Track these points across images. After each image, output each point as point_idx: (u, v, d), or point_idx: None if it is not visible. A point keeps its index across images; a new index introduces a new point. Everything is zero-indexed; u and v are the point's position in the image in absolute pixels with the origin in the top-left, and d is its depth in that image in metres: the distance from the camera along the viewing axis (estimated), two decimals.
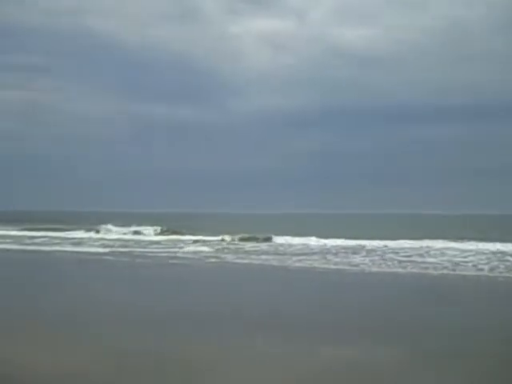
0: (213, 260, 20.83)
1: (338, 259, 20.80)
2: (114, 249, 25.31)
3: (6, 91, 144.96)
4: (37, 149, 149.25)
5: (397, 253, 22.98)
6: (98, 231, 38.06)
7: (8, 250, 25.42)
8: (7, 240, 31.63)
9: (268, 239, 30.67)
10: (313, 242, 28.56)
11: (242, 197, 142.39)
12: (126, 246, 26.90)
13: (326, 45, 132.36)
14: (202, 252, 24.03)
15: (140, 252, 24.09)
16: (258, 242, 29.95)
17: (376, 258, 21.20)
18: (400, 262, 19.89)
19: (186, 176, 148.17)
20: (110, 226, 39.27)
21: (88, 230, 38.24)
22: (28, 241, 31.35)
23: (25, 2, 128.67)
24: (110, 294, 12.30)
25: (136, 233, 37.45)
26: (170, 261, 20.51)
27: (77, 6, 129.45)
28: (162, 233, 37.52)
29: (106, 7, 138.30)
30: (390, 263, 19.38)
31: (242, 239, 30.83)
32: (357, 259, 20.73)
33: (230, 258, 21.67)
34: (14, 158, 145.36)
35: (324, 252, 23.72)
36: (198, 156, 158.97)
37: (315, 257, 21.68)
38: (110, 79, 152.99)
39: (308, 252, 23.93)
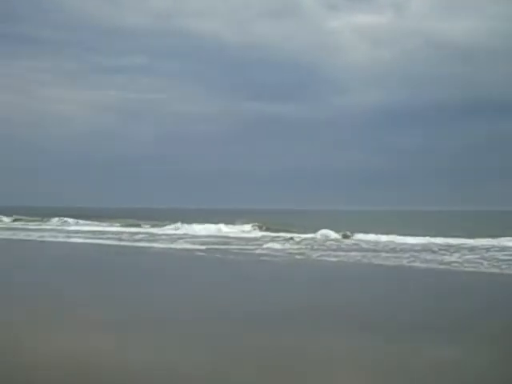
0: (300, 257, 21.20)
1: (429, 257, 20.46)
2: (209, 246, 26.12)
3: (108, 91, 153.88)
4: (138, 148, 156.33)
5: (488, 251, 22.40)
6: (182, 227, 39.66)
7: (110, 246, 27.07)
8: (109, 236, 33.92)
9: (348, 236, 30.92)
10: (398, 239, 28.08)
11: (344, 194, 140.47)
12: (223, 244, 27.62)
13: (425, 38, 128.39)
14: (288, 249, 24.43)
15: (237, 249, 24.72)
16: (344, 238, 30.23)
17: (470, 256, 20.69)
18: (499, 260, 19.29)
19: (288, 173, 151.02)
20: (206, 225, 40.20)
21: (180, 227, 39.91)
22: (128, 237, 33.15)
23: (129, 4, 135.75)
24: (226, 292, 12.60)
25: (230, 229, 38.55)
26: (262, 258, 20.92)
27: (179, 8, 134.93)
28: (259, 229, 38.28)
29: (208, 8, 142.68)
30: (486, 263, 18.74)
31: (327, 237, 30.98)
32: (449, 257, 20.34)
33: (318, 254, 21.88)
34: (116, 158, 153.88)
35: (413, 250, 23.33)
36: (299, 153, 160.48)
37: (406, 254, 21.40)
38: (211, 79, 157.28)
39: (396, 249, 23.69)
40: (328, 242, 28.15)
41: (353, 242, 28.30)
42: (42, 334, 7.93)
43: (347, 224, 40.58)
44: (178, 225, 41.06)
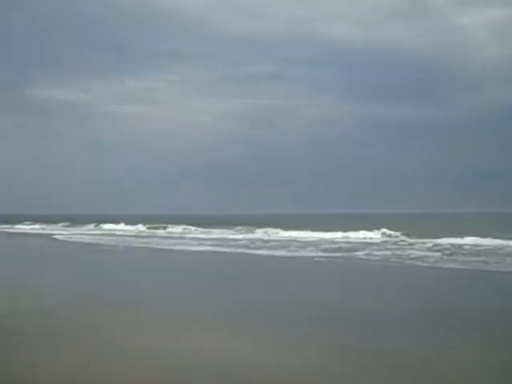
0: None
1: None
2: (336, 253, 25.20)
3: (237, 100, 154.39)
4: (268, 155, 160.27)
5: None
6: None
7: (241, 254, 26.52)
8: (232, 243, 33.06)
9: None
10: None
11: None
12: (349, 250, 26.48)
13: None
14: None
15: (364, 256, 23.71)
16: None
17: None
18: None
19: (421, 175, 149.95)
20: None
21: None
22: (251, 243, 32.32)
23: (257, 12, 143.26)
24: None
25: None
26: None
27: (307, 14, 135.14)
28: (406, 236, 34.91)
29: (336, 12, 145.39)
30: None
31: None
32: None
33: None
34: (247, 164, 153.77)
35: None
36: (430, 154, 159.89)
37: None
38: (339, 82, 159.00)
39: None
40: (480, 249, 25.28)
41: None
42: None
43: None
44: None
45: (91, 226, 63.80)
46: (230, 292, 14.31)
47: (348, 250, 26.44)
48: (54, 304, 11.82)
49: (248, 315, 10.89)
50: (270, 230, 44.41)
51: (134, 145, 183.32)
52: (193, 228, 53.06)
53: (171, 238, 42.35)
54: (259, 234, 43.36)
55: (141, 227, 56.51)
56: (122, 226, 58.77)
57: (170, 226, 55.61)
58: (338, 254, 24.63)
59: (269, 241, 35.37)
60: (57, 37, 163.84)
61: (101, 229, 59.10)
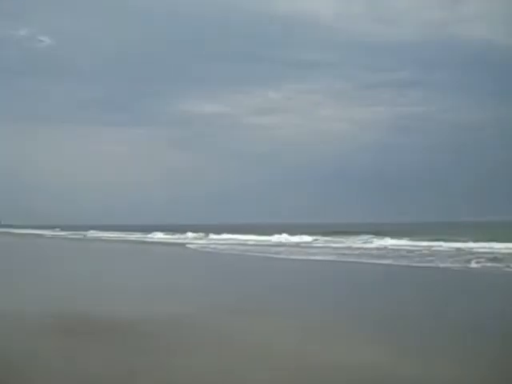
0: None
1: None
2: None
3: (376, 107, 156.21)
4: (409, 162, 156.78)
5: None
6: None
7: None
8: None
9: None
10: None
11: None
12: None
13: None
14: None
15: None
16: None
17: None
18: None
19: None
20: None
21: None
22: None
23: (396, 18, 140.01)
24: None
25: None
26: None
27: (447, 16, 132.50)
28: None
29: (476, 13, 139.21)
30: None
31: None
32: None
33: None
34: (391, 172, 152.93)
35: None
36: None
37: None
38: (481, 87, 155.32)
39: None
40: None
41: None
42: None
43: None
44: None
45: (226, 235, 62.71)
46: (371, 303, 13.58)
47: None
48: (191, 311, 11.70)
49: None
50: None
51: (274, 155, 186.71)
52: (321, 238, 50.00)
53: (312, 247, 40.28)
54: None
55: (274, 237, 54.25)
56: (252, 237, 57.50)
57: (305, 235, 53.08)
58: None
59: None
60: (204, 51, 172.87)
61: (234, 239, 57.85)
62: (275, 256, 31.59)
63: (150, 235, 73.21)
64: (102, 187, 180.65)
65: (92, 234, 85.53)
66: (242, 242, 49.68)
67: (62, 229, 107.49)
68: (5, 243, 55.92)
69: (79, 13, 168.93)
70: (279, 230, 58.54)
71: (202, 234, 67.69)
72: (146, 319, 10.62)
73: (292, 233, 55.31)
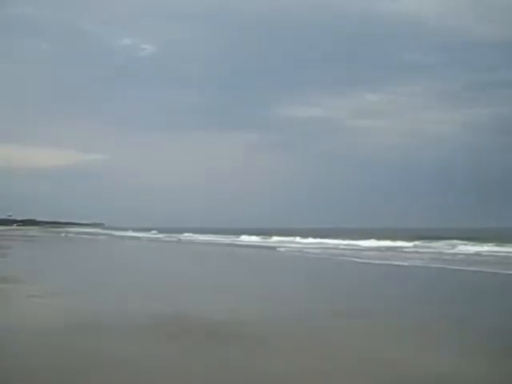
0: None
1: None
2: None
3: (481, 108, 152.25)
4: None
5: None
6: None
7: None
8: None
9: None
10: None
11: None
12: None
13: None
14: None
15: None
16: None
17: None
18: None
19: None
20: None
21: None
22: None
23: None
24: None
25: None
26: None
27: None
28: None
29: None
30: None
31: None
32: None
33: None
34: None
35: None
36: None
37: None
38: None
39: None
40: None
41: None
42: None
43: None
44: None
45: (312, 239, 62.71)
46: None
47: None
48: (292, 314, 11.98)
49: None
50: None
51: (375, 158, 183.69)
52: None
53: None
54: None
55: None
56: (340, 241, 57.21)
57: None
58: None
59: None
60: (302, 54, 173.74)
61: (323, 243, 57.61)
62: (371, 261, 30.86)
63: (239, 238, 74.61)
64: (200, 191, 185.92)
65: (186, 236, 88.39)
66: (333, 246, 49.56)
67: (160, 231, 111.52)
68: (107, 244, 59.16)
69: (180, 21, 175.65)
70: (367, 235, 57.75)
71: (292, 238, 68.11)
72: (249, 321, 10.90)
73: (377, 237, 54.49)
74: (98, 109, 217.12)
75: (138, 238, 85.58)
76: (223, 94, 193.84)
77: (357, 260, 31.44)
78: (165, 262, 32.26)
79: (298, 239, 64.32)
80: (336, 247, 48.40)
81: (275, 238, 69.39)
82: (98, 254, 43.41)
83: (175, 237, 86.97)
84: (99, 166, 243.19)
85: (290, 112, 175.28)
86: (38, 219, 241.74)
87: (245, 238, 74.14)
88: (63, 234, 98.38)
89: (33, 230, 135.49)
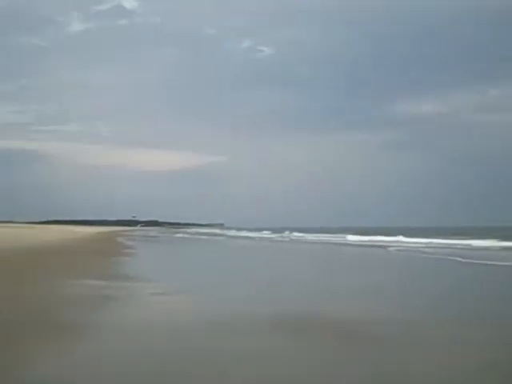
0: None
1: None
2: None
3: None
4: None
5: None
6: None
7: None
8: None
9: None
10: None
11: None
12: None
13: None
14: None
15: None
16: None
17: None
18: None
19: None
20: None
21: None
22: None
23: None
24: None
25: None
26: None
27: None
28: None
29: None
30: None
31: None
32: None
33: None
34: None
35: None
36: None
37: None
38: None
39: None
40: None
41: None
42: None
43: None
44: None
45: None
46: None
47: None
48: (418, 316, 11.96)
49: None
50: None
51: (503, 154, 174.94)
52: None
53: None
54: None
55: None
56: (447, 241, 55.18)
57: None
58: None
59: None
60: (419, 51, 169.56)
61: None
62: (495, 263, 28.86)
63: (346, 238, 74.55)
64: (314, 192, 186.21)
65: (296, 236, 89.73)
66: (446, 246, 48.17)
67: (274, 231, 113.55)
68: (221, 244, 61.62)
69: (295, 21, 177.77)
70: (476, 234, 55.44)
71: (395, 237, 67.01)
72: (375, 321, 11.10)
73: (501, 237, 52.14)
74: (215, 112, 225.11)
75: (251, 238, 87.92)
76: (339, 93, 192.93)
77: (476, 262, 29.53)
78: (283, 262, 33.25)
79: (401, 238, 63.19)
80: (449, 246, 47.07)
81: (378, 238, 68.40)
82: (212, 253, 45.55)
83: (287, 236, 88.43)
84: (218, 168, 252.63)
85: (409, 109, 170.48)
86: (160, 220, 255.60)
87: (350, 238, 73.93)
88: (179, 235, 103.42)
89: (153, 231, 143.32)
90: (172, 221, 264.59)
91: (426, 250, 43.09)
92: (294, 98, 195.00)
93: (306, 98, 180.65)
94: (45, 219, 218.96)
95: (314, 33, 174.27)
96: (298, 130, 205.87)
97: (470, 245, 49.22)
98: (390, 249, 46.42)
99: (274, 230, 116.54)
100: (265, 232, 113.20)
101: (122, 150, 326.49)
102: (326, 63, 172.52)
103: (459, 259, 31.23)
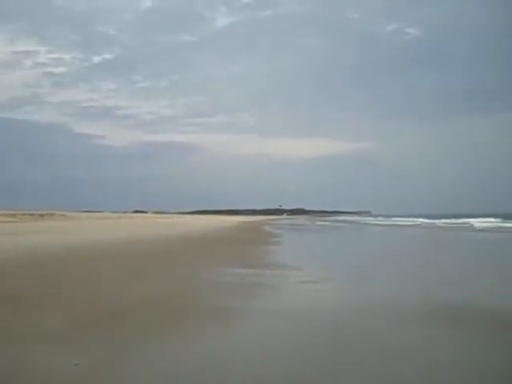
0: None
1: None
2: None
3: None
4: None
5: None
6: None
7: None
8: None
9: None
10: None
11: None
12: None
13: None
14: None
15: None
16: None
17: None
18: None
19: None
20: None
21: None
22: None
23: None
24: None
25: None
26: None
27: None
28: None
29: None
30: None
31: None
32: None
33: None
34: None
35: None
36: None
37: None
38: None
39: None
40: None
41: None
42: None
43: None
44: None
45: None
46: None
47: None
48: None
49: None
50: None
51: None
52: None
53: None
54: None
55: None
56: None
57: None
58: None
59: None
60: None
61: None
62: None
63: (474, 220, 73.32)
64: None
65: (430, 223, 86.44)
66: None
67: (426, 217, 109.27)
68: (370, 231, 60.76)
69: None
70: None
71: None
72: None
73: None
74: (362, 97, 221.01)
75: (399, 225, 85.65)
76: (489, 74, 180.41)
77: None
78: (432, 251, 32.16)
79: None
80: None
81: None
82: (359, 241, 45.13)
83: (432, 223, 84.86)
84: (367, 155, 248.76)
85: None
86: (307, 208, 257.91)
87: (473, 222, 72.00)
88: (326, 223, 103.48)
89: (299, 219, 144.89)
90: (318, 209, 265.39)
91: None
92: (443, 80, 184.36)
93: (454, 79, 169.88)
94: (194, 209, 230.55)
95: (468, 7, 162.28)
96: (447, 114, 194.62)
97: None
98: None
99: (428, 217, 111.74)
100: (419, 219, 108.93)
101: (267, 139, 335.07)
102: (484, 39, 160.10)
103: None
